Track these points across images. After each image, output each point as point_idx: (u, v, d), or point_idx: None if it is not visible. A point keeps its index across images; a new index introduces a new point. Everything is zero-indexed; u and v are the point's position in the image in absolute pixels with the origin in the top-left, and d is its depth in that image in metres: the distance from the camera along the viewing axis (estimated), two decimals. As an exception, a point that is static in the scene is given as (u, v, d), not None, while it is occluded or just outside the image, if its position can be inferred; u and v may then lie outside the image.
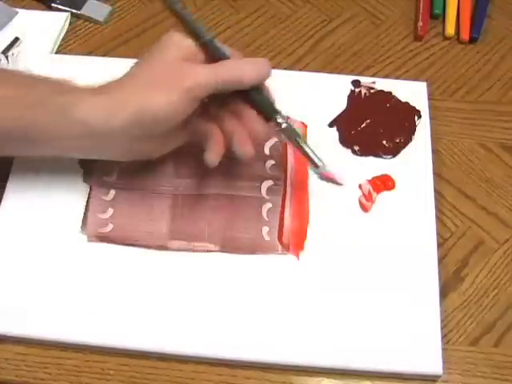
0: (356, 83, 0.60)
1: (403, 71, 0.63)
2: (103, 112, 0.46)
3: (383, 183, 0.54)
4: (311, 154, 0.49)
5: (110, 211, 0.52)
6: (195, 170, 0.54)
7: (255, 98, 0.48)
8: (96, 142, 0.48)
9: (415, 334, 0.48)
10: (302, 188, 0.54)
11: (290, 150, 0.56)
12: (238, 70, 0.47)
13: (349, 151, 0.56)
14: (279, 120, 0.48)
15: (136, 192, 0.53)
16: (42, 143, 0.48)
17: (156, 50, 0.48)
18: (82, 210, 0.52)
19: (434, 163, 0.56)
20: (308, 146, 0.49)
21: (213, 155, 0.49)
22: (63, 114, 0.46)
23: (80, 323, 0.48)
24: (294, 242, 0.51)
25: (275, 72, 0.60)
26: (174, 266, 0.50)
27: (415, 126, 0.57)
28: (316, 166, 0.50)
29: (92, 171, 0.54)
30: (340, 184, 0.51)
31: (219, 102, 0.49)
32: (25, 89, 0.47)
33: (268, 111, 0.49)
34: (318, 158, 0.49)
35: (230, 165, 0.54)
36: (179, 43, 0.48)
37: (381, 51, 0.64)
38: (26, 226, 0.52)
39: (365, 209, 0.53)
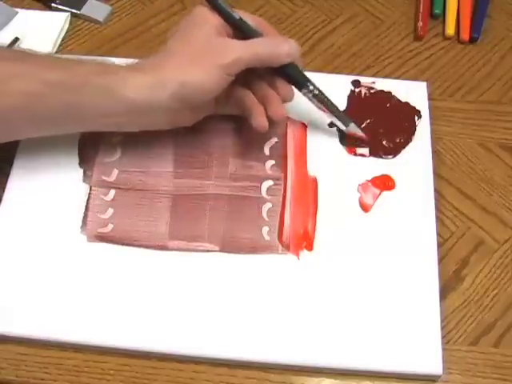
0: (356, 83, 0.60)
1: (403, 71, 0.63)
2: (147, 90, 0.48)
3: (383, 183, 0.54)
4: (342, 116, 0.55)
5: (110, 211, 0.52)
6: (195, 169, 0.54)
7: (288, 71, 0.52)
8: (138, 117, 0.50)
9: (415, 334, 0.48)
10: (302, 188, 0.54)
11: (290, 150, 0.56)
12: (273, 48, 0.50)
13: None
14: (311, 87, 0.53)
15: (136, 192, 0.53)
16: (86, 121, 0.50)
17: (189, 26, 0.50)
18: (82, 210, 0.52)
19: (434, 163, 0.56)
20: (338, 109, 0.55)
21: (261, 118, 0.51)
22: (107, 93, 0.48)
23: (80, 323, 0.48)
24: (294, 242, 0.51)
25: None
26: (174, 266, 0.50)
27: (415, 126, 0.57)
28: (346, 125, 0.55)
29: (92, 171, 0.54)
30: (365, 138, 0.56)
31: (252, 71, 0.51)
32: (68, 72, 0.48)
33: (300, 81, 0.53)
34: (348, 118, 0.55)
35: (230, 165, 0.55)
36: (210, 18, 0.50)
37: (381, 51, 0.64)
38: (26, 226, 0.52)
39: (365, 209, 0.53)
